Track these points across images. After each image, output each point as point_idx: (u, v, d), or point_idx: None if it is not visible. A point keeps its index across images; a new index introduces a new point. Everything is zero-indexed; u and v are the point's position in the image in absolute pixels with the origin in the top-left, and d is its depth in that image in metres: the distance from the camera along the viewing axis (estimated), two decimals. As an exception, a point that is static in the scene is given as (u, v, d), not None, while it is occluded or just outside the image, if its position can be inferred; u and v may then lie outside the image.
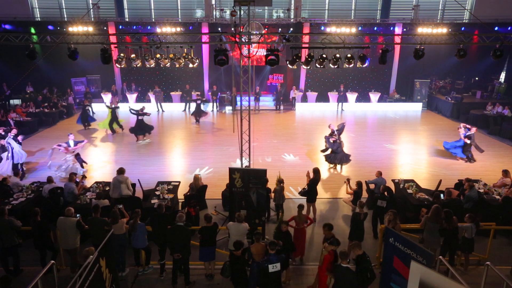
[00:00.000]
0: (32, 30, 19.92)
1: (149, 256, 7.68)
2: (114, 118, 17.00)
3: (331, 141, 12.78)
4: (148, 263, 7.71)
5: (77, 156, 12.44)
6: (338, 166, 13.02)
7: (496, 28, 19.96)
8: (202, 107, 19.77)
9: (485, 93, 22.03)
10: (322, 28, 21.27)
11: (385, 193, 9.07)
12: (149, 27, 20.95)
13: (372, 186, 10.18)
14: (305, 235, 8.07)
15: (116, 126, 17.20)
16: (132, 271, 7.70)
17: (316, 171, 9.58)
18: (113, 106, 17.19)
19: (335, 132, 12.90)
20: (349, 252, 6.81)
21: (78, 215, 7.64)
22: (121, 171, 9.32)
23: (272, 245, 6.21)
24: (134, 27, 21.26)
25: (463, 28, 20.74)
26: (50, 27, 19.70)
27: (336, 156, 12.78)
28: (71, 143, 12.37)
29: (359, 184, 10.00)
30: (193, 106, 20.89)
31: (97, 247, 5.31)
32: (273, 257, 6.12)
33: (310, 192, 9.49)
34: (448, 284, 3.87)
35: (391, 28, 21.68)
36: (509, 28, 20.18)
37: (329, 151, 13.05)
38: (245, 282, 6.49)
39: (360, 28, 20.96)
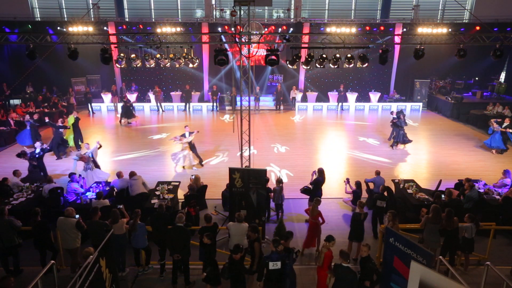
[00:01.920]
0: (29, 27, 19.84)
1: (149, 256, 7.68)
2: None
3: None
4: (148, 263, 7.71)
5: (193, 148, 12.96)
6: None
7: (494, 28, 19.94)
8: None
9: (485, 93, 22.04)
10: (321, 29, 21.25)
11: (385, 193, 9.07)
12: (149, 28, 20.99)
13: (371, 184, 10.18)
14: (316, 229, 8.14)
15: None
16: (132, 271, 7.70)
17: (321, 172, 9.55)
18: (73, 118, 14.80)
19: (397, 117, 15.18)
20: (350, 252, 6.84)
21: (77, 215, 7.64)
22: (132, 174, 9.60)
23: (275, 242, 6.27)
24: (134, 28, 21.26)
25: (462, 29, 20.70)
26: (49, 30, 19.68)
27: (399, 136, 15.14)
28: (187, 134, 12.72)
29: (358, 184, 9.99)
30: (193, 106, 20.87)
31: (97, 248, 5.31)
32: (275, 255, 6.16)
33: (314, 192, 9.47)
34: (448, 284, 3.87)
35: (390, 29, 21.68)
36: (508, 29, 20.14)
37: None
38: (242, 285, 6.49)
39: (359, 29, 20.96)
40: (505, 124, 14.67)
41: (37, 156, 11.35)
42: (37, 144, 11.88)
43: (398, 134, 15.10)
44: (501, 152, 14.56)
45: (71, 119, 14.80)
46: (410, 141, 15.18)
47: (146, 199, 9.39)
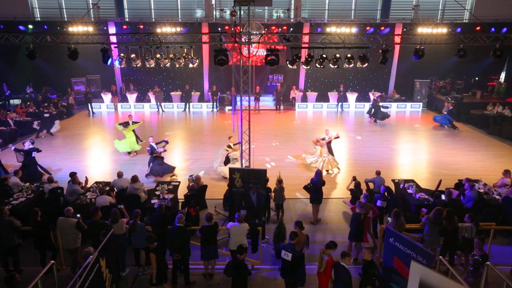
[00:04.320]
0: (30, 28, 19.84)
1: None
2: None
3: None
4: (148, 263, 7.71)
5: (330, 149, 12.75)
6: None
7: (493, 29, 19.93)
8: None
9: (485, 93, 22.04)
10: (319, 29, 21.25)
11: (385, 193, 9.06)
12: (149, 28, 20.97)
13: (371, 185, 10.17)
14: (368, 224, 8.10)
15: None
16: (132, 271, 7.70)
17: (317, 174, 9.47)
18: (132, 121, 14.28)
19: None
20: (350, 252, 6.84)
21: (78, 215, 7.65)
22: (134, 180, 9.34)
23: (292, 235, 6.51)
24: (132, 29, 21.26)
25: (458, 29, 20.68)
26: (45, 26, 19.67)
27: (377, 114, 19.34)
28: (327, 137, 12.63)
29: (357, 184, 9.95)
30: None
31: (97, 248, 5.31)
32: (288, 246, 6.37)
33: (312, 192, 9.45)
34: (448, 284, 3.87)
35: (389, 29, 21.67)
36: (505, 29, 20.13)
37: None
38: (244, 284, 6.53)
39: (358, 29, 20.96)
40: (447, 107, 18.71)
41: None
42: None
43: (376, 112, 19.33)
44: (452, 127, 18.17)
45: (132, 126, 14.20)
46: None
47: (138, 200, 9.27)
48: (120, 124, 14.37)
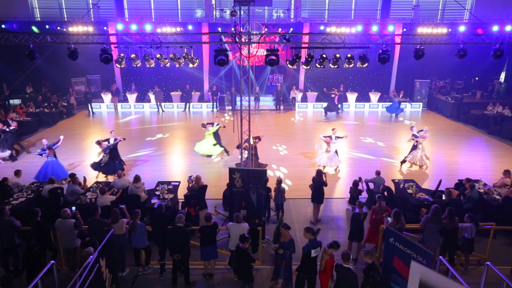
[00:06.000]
0: (35, 30, 19.83)
1: (149, 256, 7.68)
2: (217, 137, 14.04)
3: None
4: (148, 263, 7.71)
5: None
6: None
7: (494, 28, 19.91)
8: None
9: (485, 93, 22.04)
10: (322, 27, 21.24)
11: (385, 193, 9.06)
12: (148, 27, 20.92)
13: (371, 185, 10.17)
14: (379, 225, 7.95)
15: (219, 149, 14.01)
16: (132, 271, 7.70)
17: (317, 173, 9.49)
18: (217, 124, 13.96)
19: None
20: (350, 252, 6.85)
21: (74, 208, 7.64)
22: (137, 179, 9.39)
23: (310, 230, 6.50)
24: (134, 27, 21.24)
25: (456, 27, 20.70)
26: (47, 26, 19.67)
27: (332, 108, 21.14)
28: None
29: (354, 183, 9.93)
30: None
31: (97, 248, 5.32)
32: (315, 242, 6.38)
33: (314, 191, 9.45)
34: (448, 284, 3.87)
35: (390, 28, 21.66)
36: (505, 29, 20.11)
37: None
38: (249, 274, 6.62)
39: (358, 29, 20.93)
40: (401, 95, 20.75)
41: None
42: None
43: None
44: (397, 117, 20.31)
45: (213, 129, 13.87)
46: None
47: (138, 200, 9.28)
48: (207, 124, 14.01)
